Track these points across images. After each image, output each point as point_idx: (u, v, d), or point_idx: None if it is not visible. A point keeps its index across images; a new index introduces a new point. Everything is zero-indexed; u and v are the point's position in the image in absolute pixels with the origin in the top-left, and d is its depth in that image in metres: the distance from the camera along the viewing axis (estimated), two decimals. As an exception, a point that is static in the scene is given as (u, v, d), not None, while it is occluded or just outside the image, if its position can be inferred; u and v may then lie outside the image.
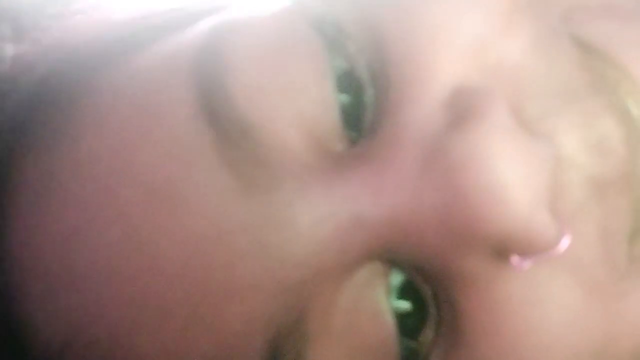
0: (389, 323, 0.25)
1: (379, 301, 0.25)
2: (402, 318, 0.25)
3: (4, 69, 0.29)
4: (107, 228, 0.24)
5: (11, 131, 0.27)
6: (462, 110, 0.23)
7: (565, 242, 0.23)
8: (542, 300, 0.24)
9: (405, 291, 0.25)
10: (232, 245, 0.23)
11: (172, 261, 0.23)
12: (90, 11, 0.30)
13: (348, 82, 0.25)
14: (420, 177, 0.23)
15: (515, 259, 0.23)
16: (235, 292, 0.23)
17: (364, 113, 0.25)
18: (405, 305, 0.25)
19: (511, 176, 0.22)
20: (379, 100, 0.25)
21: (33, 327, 0.26)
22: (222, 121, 0.23)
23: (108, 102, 0.25)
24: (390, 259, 0.25)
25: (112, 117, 0.25)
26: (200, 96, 0.24)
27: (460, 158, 0.22)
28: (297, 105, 0.24)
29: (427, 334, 0.25)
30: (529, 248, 0.23)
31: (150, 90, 0.24)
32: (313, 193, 0.23)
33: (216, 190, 0.23)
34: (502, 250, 0.23)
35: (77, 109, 0.25)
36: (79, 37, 0.29)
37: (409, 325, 0.25)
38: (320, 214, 0.23)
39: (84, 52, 0.28)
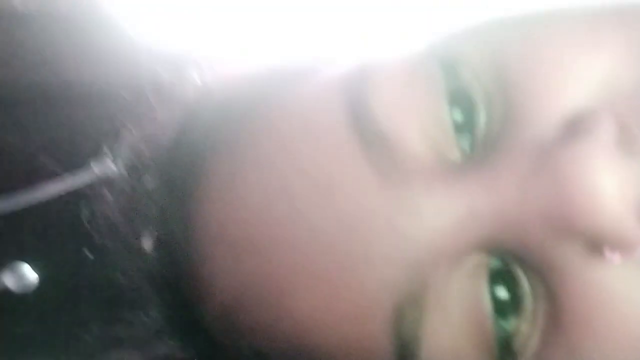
0: (488, 309, 0.29)
1: (481, 288, 0.29)
2: (500, 306, 0.29)
3: (197, 92, 0.37)
4: (280, 208, 0.30)
5: (206, 136, 0.33)
6: (574, 127, 0.27)
7: None
8: (633, 295, 0.27)
9: (505, 284, 0.29)
10: (372, 226, 0.28)
11: (326, 236, 0.29)
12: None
13: (464, 103, 0.29)
14: (530, 179, 0.27)
15: (607, 250, 0.27)
16: (372, 263, 0.28)
17: (476, 129, 0.29)
18: (503, 293, 0.29)
19: (606, 184, 0.26)
20: (492, 118, 0.29)
21: (212, 281, 0.32)
22: (366, 131, 0.29)
23: (279, 117, 0.31)
24: (495, 251, 0.29)
25: (282, 128, 0.31)
26: (350, 112, 0.29)
27: (567, 165, 0.26)
28: (421, 122, 0.29)
29: (523, 322, 0.29)
30: (617, 242, 0.27)
31: (312, 108, 0.31)
32: (436, 190, 0.28)
33: (362, 183, 0.29)
34: (595, 243, 0.27)
35: (254, 124, 0.32)
36: (249, 71, 0.36)
37: (506, 313, 0.29)
38: (441, 207, 0.28)
39: (255, 83, 0.35)
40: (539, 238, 0.27)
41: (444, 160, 0.29)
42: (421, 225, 0.28)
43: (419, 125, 0.29)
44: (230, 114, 0.33)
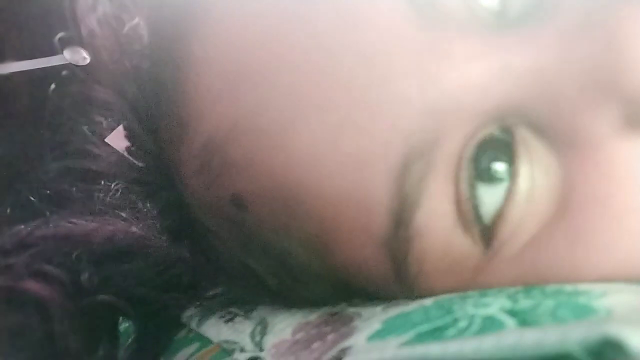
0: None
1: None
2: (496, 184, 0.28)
3: None
4: (294, 32, 0.28)
5: None
6: None
7: None
8: None
9: (505, 160, 0.28)
10: (397, 61, 0.27)
11: (344, 65, 0.27)
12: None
13: None
14: (577, 35, 0.26)
15: None
16: (390, 101, 0.27)
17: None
18: (501, 167, 0.28)
19: None
20: None
21: (202, 114, 0.30)
22: None
23: None
24: (515, 119, 0.27)
25: None
26: None
27: (624, 18, 0.25)
28: None
29: (515, 203, 0.28)
30: None
31: None
32: (472, 37, 0.27)
33: (396, 16, 0.27)
34: (636, 112, 0.25)
35: None
36: None
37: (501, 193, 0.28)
38: (474, 54, 0.27)
39: None
40: (573, 102, 0.26)
41: (477, 15, 0.27)
42: (450, 71, 0.27)
43: None
44: None
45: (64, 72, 0.41)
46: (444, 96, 0.27)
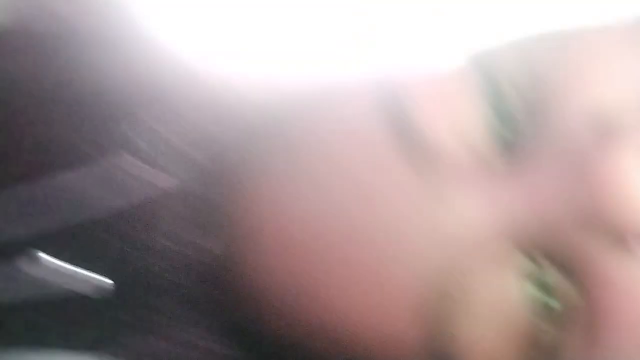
0: (526, 308, 0.30)
1: (518, 288, 0.30)
2: (535, 307, 0.30)
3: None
4: (328, 210, 0.31)
5: (259, 143, 0.35)
6: (604, 129, 0.29)
7: None
8: None
9: (537, 287, 0.30)
10: (411, 223, 0.30)
11: (365, 234, 0.31)
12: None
13: (502, 112, 0.31)
14: (567, 181, 0.29)
15: (633, 243, 0.29)
16: (402, 255, 0.30)
17: (513, 136, 0.31)
18: (537, 294, 0.30)
19: (637, 185, 0.29)
20: (528, 125, 0.31)
21: (257, 273, 0.34)
22: (406, 135, 0.31)
23: (327, 134, 0.33)
24: (529, 251, 0.30)
25: (333, 147, 0.33)
26: (387, 116, 0.31)
27: (600, 168, 0.29)
28: (460, 126, 0.31)
29: (553, 322, 0.30)
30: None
31: (354, 128, 0.32)
32: (467, 181, 0.30)
33: (401, 184, 0.30)
34: (622, 235, 0.29)
35: (301, 134, 0.34)
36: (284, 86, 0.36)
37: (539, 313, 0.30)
38: (471, 199, 0.30)
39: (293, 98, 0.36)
40: (572, 233, 0.29)
41: (482, 164, 0.30)
42: (460, 223, 0.29)
43: (459, 132, 0.31)
44: (279, 125, 0.35)
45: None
46: (456, 247, 0.30)
